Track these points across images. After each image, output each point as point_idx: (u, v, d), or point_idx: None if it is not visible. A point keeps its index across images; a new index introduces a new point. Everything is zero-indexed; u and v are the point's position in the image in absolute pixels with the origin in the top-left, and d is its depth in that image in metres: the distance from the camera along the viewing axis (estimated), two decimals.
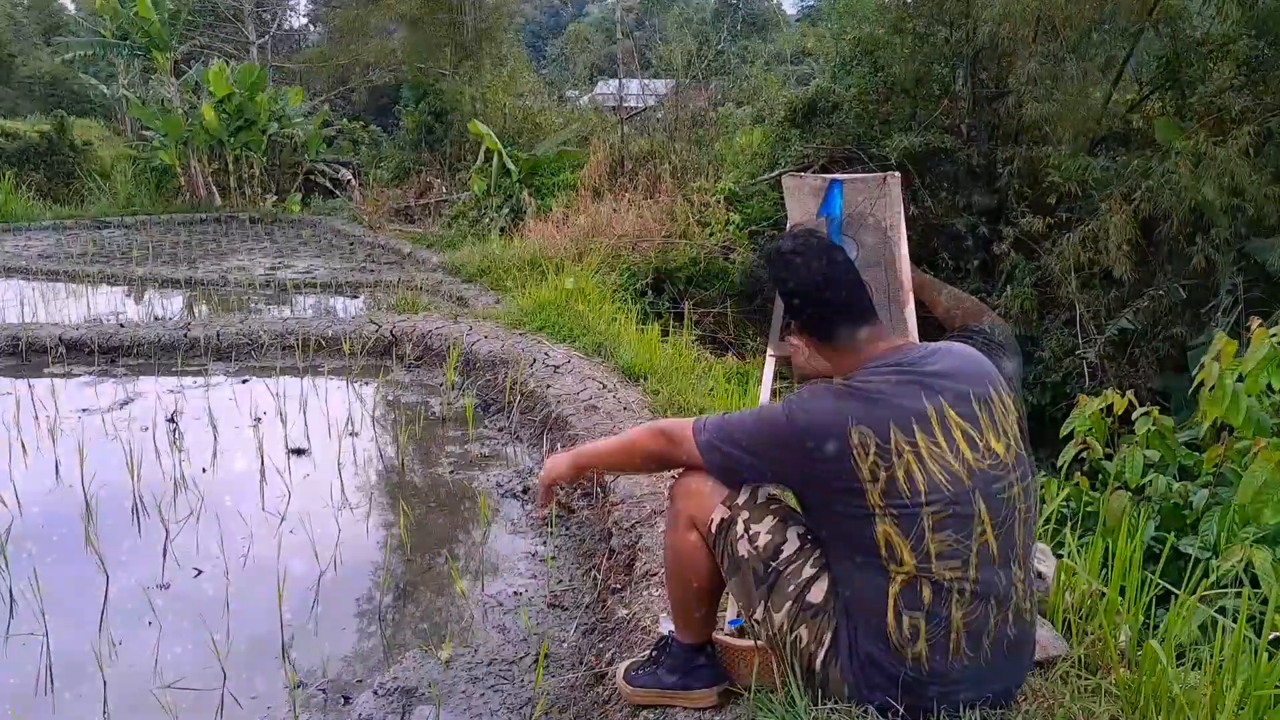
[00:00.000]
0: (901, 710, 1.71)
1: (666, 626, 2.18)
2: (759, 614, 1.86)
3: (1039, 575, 2.25)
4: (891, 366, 1.75)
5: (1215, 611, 2.29)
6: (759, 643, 1.97)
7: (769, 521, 1.87)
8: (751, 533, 1.86)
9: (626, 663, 2.22)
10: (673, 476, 2.04)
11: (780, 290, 1.93)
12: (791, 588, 1.81)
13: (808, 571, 1.82)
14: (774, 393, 2.86)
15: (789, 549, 1.84)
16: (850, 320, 1.82)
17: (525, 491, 3.97)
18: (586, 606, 2.99)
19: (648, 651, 2.21)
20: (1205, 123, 8.08)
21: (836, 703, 1.78)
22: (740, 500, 1.89)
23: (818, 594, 1.79)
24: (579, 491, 3.86)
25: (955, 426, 1.69)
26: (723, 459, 1.86)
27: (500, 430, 4.81)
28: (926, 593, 1.67)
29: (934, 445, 1.67)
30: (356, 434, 4.66)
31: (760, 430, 1.82)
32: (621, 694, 2.16)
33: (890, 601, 1.69)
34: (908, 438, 1.67)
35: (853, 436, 1.67)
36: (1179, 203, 7.44)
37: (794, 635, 1.80)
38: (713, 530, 1.90)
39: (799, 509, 1.93)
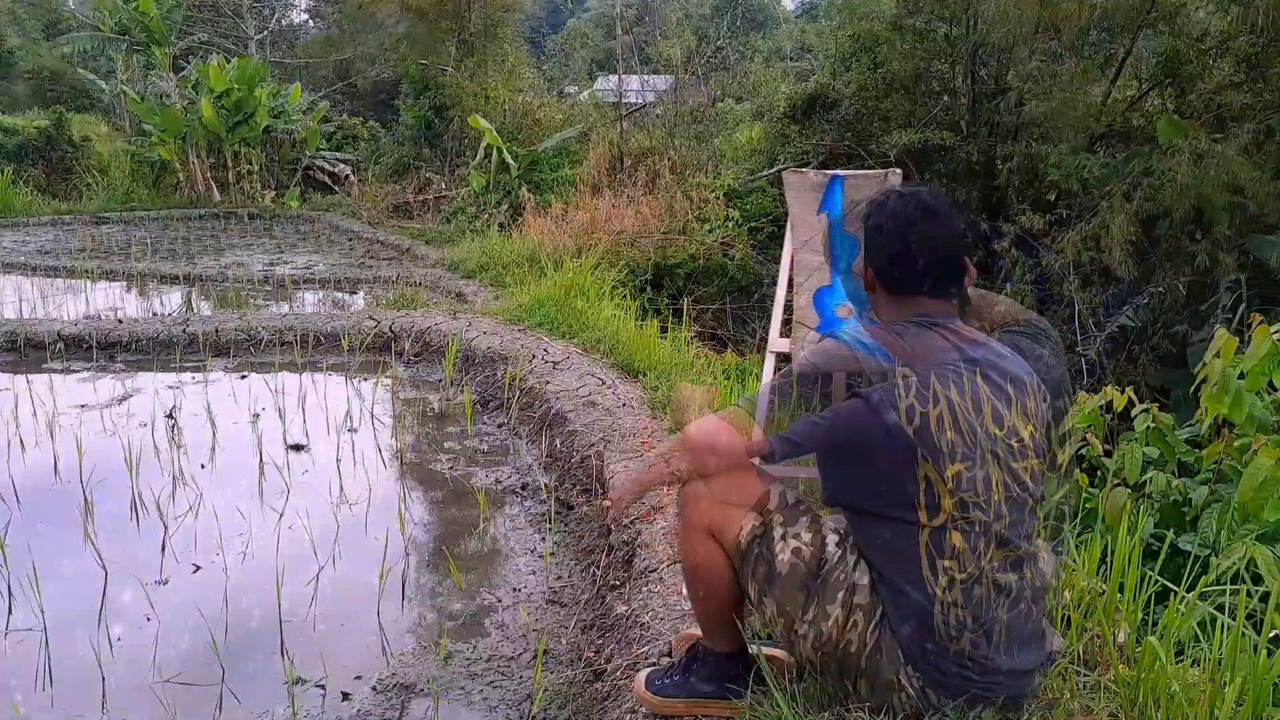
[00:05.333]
0: (959, 687, 1.70)
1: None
2: (802, 627, 1.78)
3: None
4: (938, 327, 1.79)
5: (1214, 608, 2.29)
6: (787, 656, 1.94)
7: (804, 522, 1.83)
8: (791, 538, 1.81)
9: (646, 671, 2.12)
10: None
11: (869, 231, 1.90)
12: (842, 593, 1.77)
13: (853, 575, 1.77)
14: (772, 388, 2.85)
15: (830, 548, 1.80)
16: (923, 286, 1.82)
17: (524, 488, 3.97)
18: (585, 603, 2.99)
19: (673, 659, 2.14)
20: (1205, 120, 8.07)
21: (882, 695, 1.76)
22: (772, 504, 1.84)
23: (863, 597, 1.76)
24: (577, 488, 3.86)
25: (985, 398, 1.71)
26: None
27: (499, 426, 4.81)
28: (956, 539, 1.67)
29: (964, 406, 1.69)
30: (355, 430, 4.66)
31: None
32: (645, 704, 2.05)
33: (922, 551, 1.69)
34: (943, 388, 1.69)
35: (898, 369, 1.72)
36: (1179, 200, 7.44)
37: (844, 640, 1.76)
38: (743, 541, 1.83)
39: (831, 484, 1.87)
